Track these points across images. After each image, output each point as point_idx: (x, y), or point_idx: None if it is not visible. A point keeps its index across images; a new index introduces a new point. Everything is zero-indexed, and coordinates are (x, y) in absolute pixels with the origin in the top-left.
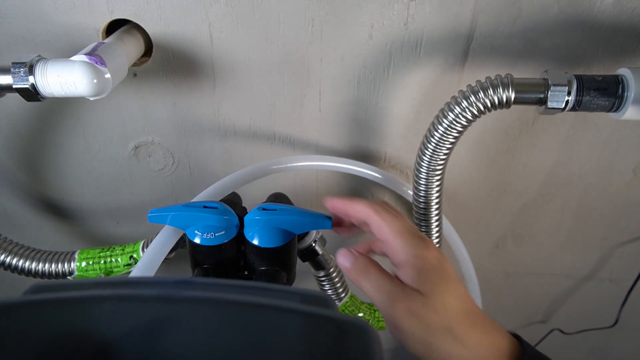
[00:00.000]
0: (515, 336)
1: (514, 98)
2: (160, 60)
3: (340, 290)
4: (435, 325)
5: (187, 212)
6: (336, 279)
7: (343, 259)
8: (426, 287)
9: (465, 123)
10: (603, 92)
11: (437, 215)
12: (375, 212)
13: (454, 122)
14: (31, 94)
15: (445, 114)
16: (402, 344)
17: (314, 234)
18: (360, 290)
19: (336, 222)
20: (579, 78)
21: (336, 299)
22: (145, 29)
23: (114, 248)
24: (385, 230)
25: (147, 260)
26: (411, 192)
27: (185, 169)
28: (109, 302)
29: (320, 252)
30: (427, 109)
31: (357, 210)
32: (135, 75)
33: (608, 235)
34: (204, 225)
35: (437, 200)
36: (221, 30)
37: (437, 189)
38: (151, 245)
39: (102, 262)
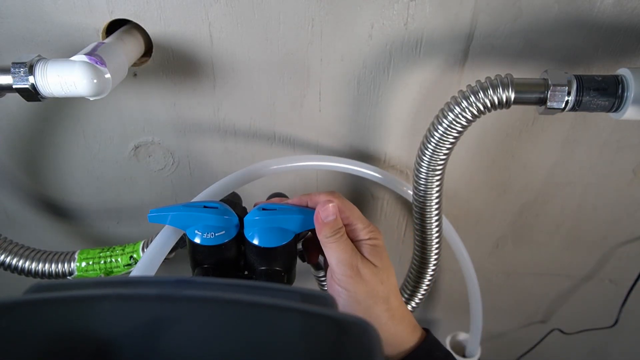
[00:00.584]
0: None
1: (514, 98)
2: (160, 60)
3: None
4: (378, 293)
5: (187, 212)
6: None
7: (331, 212)
8: (378, 261)
9: (465, 123)
10: (603, 92)
11: (437, 215)
12: (337, 198)
13: (454, 122)
14: (31, 94)
15: (445, 114)
16: (339, 304)
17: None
18: (322, 245)
19: None
20: (579, 78)
21: None
22: (145, 29)
23: (114, 248)
24: (348, 214)
25: (147, 260)
26: (411, 192)
27: (185, 169)
28: (109, 302)
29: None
30: (427, 109)
31: (320, 199)
32: (135, 75)
33: (608, 235)
34: (204, 225)
35: (437, 200)
36: (221, 30)
37: (437, 189)
38: (151, 245)
39: (102, 262)
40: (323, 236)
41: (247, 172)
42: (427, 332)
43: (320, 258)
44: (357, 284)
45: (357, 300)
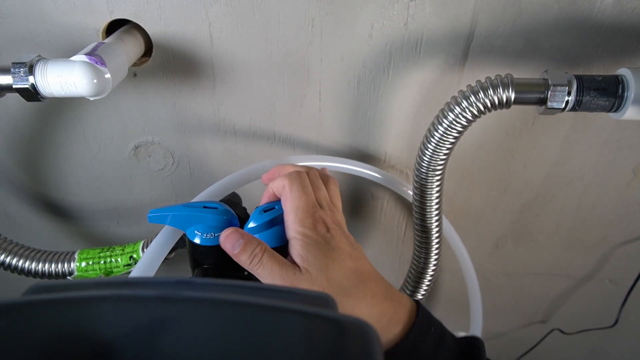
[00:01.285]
0: (417, 304)
1: (514, 98)
2: (160, 60)
3: None
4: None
5: (187, 212)
6: None
7: (234, 242)
8: (306, 263)
9: (465, 123)
10: (603, 92)
11: (437, 215)
12: (288, 184)
13: (454, 122)
14: (31, 94)
15: (445, 114)
16: None
17: None
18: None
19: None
20: (579, 78)
21: None
22: (145, 29)
23: (113, 248)
24: (287, 205)
25: (147, 261)
26: (411, 192)
27: (185, 169)
28: (109, 303)
29: None
30: (427, 109)
31: (276, 185)
32: (135, 75)
33: (608, 235)
34: (204, 225)
35: (437, 200)
36: (221, 30)
37: (437, 189)
38: (151, 246)
39: (102, 262)
40: (243, 265)
41: (247, 172)
42: (417, 305)
43: None
44: None
45: None
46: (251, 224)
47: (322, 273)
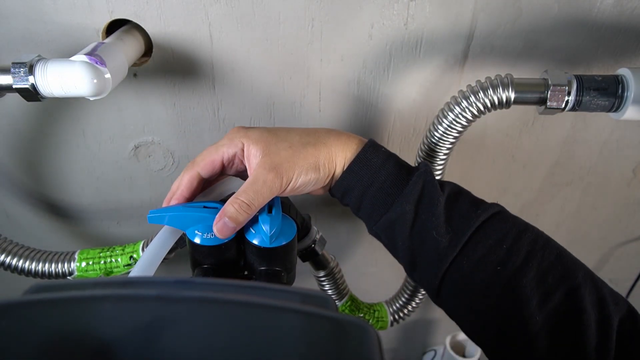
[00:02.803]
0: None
1: (514, 98)
2: (160, 60)
3: (341, 290)
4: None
5: (187, 212)
6: (336, 279)
7: (227, 227)
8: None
9: (465, 123)
10: (603, 92)
11: None
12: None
13: (454, 122)
14: (31, 94)
15: (445, 114)
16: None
17: (314, 235)
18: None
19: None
20: (579, 78)
21: (336, 299)
22: (145, 29)
23: (114, 248)
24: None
25: (147, 260)
26: None
27: None
28: (109, 302)
29: (320, 253)
30: (427, 109)
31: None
32: (135, 75)
33: (608, 235)
34: (204, 225)
35: None
36: (221, 30)
37: None
38: (150, 245)
39: (102, 262)
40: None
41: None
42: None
43: (320, 258)
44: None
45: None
46: (265, 227)
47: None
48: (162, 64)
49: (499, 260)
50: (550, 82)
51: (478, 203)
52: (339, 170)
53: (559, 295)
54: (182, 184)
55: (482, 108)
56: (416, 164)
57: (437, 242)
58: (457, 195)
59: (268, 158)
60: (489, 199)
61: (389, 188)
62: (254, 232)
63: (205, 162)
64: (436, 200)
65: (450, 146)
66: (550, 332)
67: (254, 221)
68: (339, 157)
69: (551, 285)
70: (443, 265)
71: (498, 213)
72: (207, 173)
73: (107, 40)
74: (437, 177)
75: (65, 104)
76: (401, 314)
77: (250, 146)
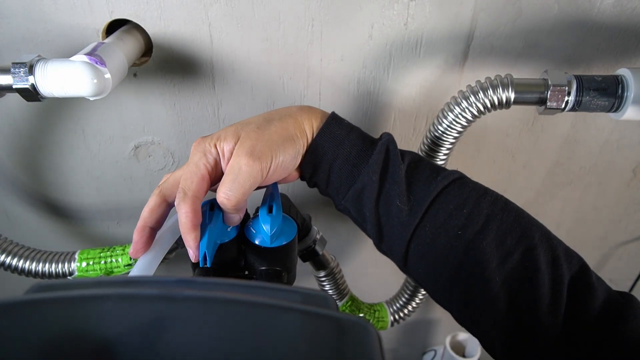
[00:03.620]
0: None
1: (514, 98)
2: (160, 60)
3: (341, 290)
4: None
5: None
6: (336, 279)
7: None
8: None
9: (465, 123)
10: (603, 92)
11: None
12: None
13: (454, 122)
14: (31, 94)
15: (445, 114)
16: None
17: (314, 235)
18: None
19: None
20: (578, 78)
21: (337, 299)
22: (145, 29)
23: (114, 248)
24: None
25: (147, 260)
26: None
27: None
28: (110, 301)
29: (320, 253)
30: (427, 109)
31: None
32: (135, 75)
33: (608, 235)
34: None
35: None
36: (221, 30)
37: None
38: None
39: (103, 262)
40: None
41: None
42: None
43: (320, 258)
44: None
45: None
46: (266, 227)
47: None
48: (162, 64)
49: (460, 224)
50: (550, 82)
51: (438, 170)
52: (310, 139)
53: (516, 256)
54: (191, 218)
55: (482, 108)
56: None
57: (400, 210)
58: (417, 163)
59: (240, 145)
60: None
61: (354, 159)
62: (254, 231)
63: (197, 186)
64: (397, 168)
65: (450, 146)
66: (509, 292)
67: (254, 221)
68: (306, 124)
69: (509, 246)
70: (407, 233)
71: (458, 179)
72: (204, 194)
73: (107, 40)
74: None
75: (65, 104)
76: (401, 314)
77: (221, 143)
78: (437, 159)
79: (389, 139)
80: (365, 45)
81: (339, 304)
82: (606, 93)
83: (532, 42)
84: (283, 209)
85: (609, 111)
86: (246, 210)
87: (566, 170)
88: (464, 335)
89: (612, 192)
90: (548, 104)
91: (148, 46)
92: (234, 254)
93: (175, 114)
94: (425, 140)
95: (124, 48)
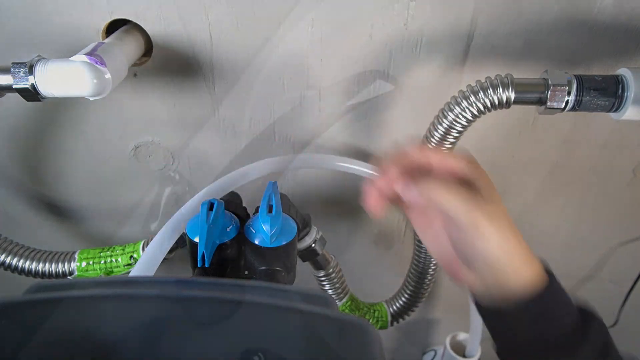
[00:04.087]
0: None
1: (514, 98)
2: (160, 60)
3: (341, 290)
4: (508, 225)
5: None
6: (336, 279)
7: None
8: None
9: (465, 123)
10: (603, 92)
11: None
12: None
13: (454, 122)
14: (31, 94)
15: (445, 114)
16: (473, 254)
17: (314, 234)
18: (436, 203)
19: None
20: (578, 78)
21: (336, 299)
22: (145, 29)
23: (114, 248)
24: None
25: (147, 260)
26: None
27: (185, 169)
28: (110, 302)
29: (320, 252)
30: (427, 109)
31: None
32: (135, 75)
33: (608, 235)
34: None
35: None
36: (221, 30)
37: None
38: (150, 245)
39: (102, 262)
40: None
41: (247, 171)
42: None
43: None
44: (487, 225)
45: (494, 241)
46: (266, 227)
47: (500, 206)
48: (162, 64)
49: None
50: (550, 82)
51: None
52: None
53: None
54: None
55: (482, 108)
56: None
57: None
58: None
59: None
60: None
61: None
62: (254, 231)
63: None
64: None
65: (450, 146)
66: None
67: (254, 221)
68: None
69: None
70: None
71: None
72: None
73: (107, 40)
74: None
75: (65, 104)
76: (401, 314)
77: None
78: None
79: (601, 329)
80: (365, 45)
81: (339, 304)
82: (606, 93)
83: (532, 42)
84: (283, 208)
85: (609, 111)
86: (245, 209)
87: (566, 170)
88: (464, 335)
89: (612, 192)
90: (548, 103)
91: (148, 46)
92: (233, 253)
93: (175, 114)
94: (425, 140)
95: (124, 48)
